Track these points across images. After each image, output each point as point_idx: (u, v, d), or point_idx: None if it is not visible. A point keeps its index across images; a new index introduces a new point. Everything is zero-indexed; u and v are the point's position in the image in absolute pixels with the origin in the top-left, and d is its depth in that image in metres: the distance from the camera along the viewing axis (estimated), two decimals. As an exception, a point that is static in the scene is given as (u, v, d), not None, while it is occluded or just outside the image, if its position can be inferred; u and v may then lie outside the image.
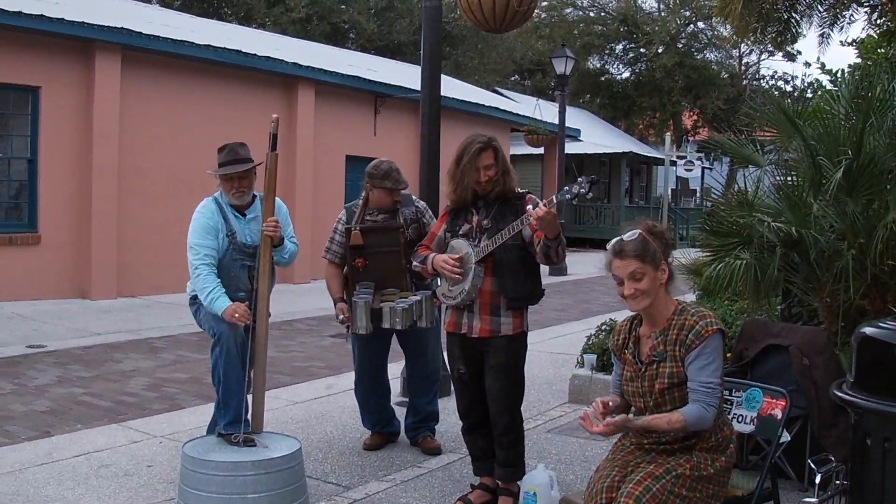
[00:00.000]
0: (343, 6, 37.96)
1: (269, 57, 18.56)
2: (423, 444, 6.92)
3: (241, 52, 17.82)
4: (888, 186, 6.01)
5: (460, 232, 5.56)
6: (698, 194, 41.55)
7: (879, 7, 10.81)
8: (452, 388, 5.93)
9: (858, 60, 9.46)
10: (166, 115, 16.62)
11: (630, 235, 4.00)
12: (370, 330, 6.45)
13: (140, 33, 15.73)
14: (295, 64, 19.08)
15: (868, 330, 3.66)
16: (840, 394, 3.62)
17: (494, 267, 5.38)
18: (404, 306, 6.36)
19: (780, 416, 4.30)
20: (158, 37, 16.08)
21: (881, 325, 3.67)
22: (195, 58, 16.97)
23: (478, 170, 5.41)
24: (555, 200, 5.01)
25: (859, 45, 10.70)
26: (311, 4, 35.96)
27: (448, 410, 6.53)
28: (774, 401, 4.35)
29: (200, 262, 6.08)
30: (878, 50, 9.01)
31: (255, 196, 6.34)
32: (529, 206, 5.08)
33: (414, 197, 6.99)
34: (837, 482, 4.03)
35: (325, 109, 20.04)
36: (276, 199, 6.06)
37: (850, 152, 6.01)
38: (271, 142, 5.85)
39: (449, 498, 5.81)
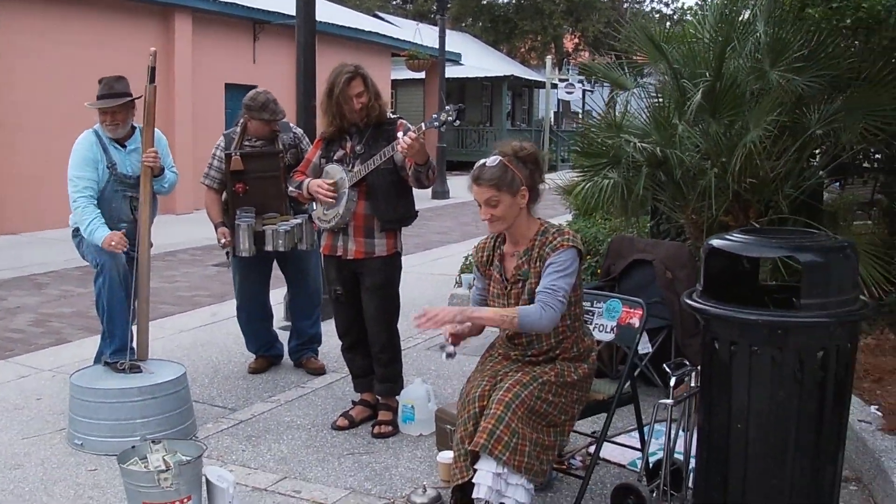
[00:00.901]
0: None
1: (144, -14, 18.13)
2: (308, 364, 7.08)
3: (115, -19, 17.36)
4: (750, 108, 6.25)
5: (335, 158, 5.67)
6: (580, 117, 41.87)
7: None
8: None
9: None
10: (43, 48, 16.19)
11: (491, 161, 4.14)
12: (253, 252, 6.56)
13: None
14: (171, -8, 18.71)
15: (715, 242, 3.89)
16: (690, 301, 3.86)
17: (368, 191, 5.51)
18: (286, 228, 6.51)
19: (637, 325, 4.54)
20: (29, -31, 15.61)
21: (727, 237, 3.90)
22: (70, -10, 16.51)
23: (350, 98, 5.50)
24: (423, 128, 5.20)
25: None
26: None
27: (329, 332, 6.68)
28: (632, 310, 4.59)
29: (80, 195, 6.13)
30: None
31: (134, 128, 6.39)
32: (400, 133, 5.20)
33: (291, 124, 7.07)
34: (693, 385, 4.28)
35: (204, 38, 19.71)
36: (156, 130, 6.12)
37: (708, 75, 6.24)
38: (149, 75, 5.89)
39: (331, 415, 5.99)
